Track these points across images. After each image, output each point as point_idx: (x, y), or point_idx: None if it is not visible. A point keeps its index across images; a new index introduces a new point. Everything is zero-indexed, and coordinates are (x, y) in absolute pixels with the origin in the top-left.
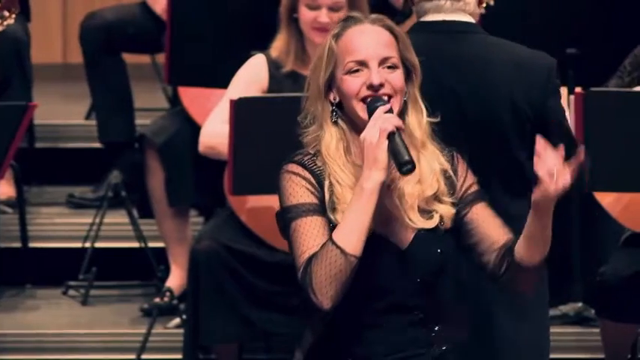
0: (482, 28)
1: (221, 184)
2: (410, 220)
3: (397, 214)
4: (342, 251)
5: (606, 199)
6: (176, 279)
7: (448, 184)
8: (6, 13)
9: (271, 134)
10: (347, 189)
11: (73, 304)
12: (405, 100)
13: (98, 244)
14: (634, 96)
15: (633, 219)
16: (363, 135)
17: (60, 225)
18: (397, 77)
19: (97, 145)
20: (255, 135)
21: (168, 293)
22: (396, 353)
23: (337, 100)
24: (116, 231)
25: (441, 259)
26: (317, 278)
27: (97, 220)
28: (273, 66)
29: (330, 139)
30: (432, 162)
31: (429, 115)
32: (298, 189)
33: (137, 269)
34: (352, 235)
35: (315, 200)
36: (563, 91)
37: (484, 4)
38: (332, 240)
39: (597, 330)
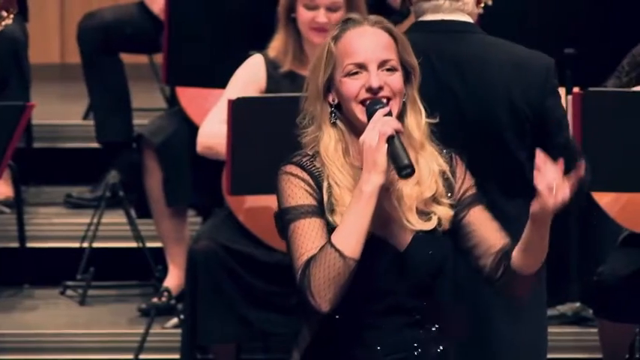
0: (480, 28)
1: (219, 184)
2: (408, 222)
3: (396, 216)
4: (341, 254)
5: (604, 199)
6: (174, 279)
7: (446, 185)
8: (4, 14)
9: (269, 134)
10: (345, 190)
11: (70, 304)
12: (403, 102)
13: (96, 244)
14: (632, 96)
15: (631, 219)
16: (362, 138)
17: (58, 225)
18: (396, 80)
19: (95, 145)
20: (253, 135)
21: (166, 293)
22: (394, 354)
23: (336, 101)
24: (114, 231)
25: (439, 261)
26: (315, 281)
27: (95, 220)
28: (271, 66)
29: (329, 140)
30: (430, 163)
31: (428, 115)
32: (297, 190)
33: (135, 269)
34: (351, 238)
35: (313, 202)
36: (561, 91)
37: (482, 4)
38: (331, 243)
39: (595, 330)
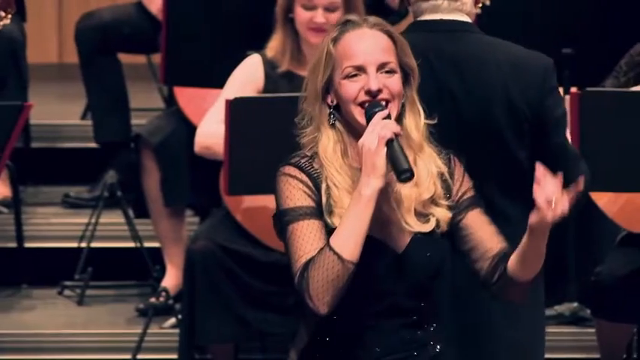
0: (478, 27)
1: (217, 184)
2: (407, 223)
3: (394, 218)
4: (340, 257)
5: (602, 199)
6: (172, 279)
7: (444, 187)
8: (2, 13)
9: (267, 134)
10: (344, 192)
11: (68, 304)
12: (402, 103)
13: (94, 244)
14: (630, 96)
15: (629, 219)
16: (361, 141)
17: (56, 225)
18: (395, 82)
19: (93, 145)
20: (251, 135)
21: (163, 293)
22: (392, 354)
23: (335, 103)
24: (112, 231)
25: (437, 262)
26: (314, 284)
27: (93, 220)
28: (269, 66)
29: (328, 141)
30: (429, 165)
31: (427, 117)
32: (295, 192)
33: (133, 269)
34: (349, 241)
35: (312, 203)
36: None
37: (480, 4)
38: (329, 245)
39: (593, 330)
